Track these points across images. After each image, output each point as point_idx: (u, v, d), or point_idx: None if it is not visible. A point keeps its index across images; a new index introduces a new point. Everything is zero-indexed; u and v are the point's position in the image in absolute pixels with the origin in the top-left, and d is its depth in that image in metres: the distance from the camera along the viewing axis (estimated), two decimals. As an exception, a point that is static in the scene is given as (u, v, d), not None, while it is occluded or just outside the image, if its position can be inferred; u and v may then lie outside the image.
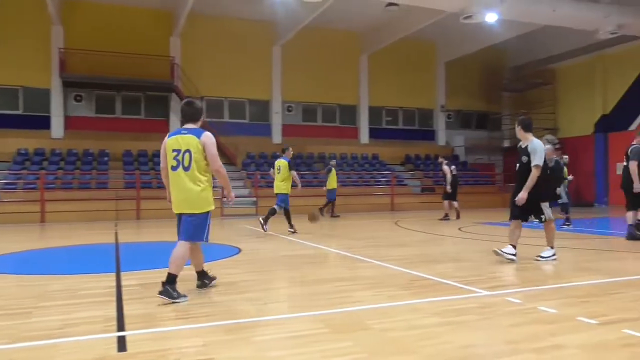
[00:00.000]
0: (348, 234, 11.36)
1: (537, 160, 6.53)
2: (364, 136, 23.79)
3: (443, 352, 3.23)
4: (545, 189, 6.84)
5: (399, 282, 5.52)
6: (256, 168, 20.23)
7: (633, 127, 20.43)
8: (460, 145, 25.26)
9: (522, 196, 6.49)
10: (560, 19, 17.57)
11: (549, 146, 8.31)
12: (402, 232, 11.50)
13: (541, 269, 6.45)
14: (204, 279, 5.19)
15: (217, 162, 4.84)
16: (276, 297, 5.03)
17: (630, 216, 9.02)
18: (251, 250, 8.53)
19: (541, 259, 6.83)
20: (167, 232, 12.25)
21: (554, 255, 6.86)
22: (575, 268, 6.44)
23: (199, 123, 4.99)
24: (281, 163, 11.24)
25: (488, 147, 25.50)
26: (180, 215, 4.87)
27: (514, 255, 6.65)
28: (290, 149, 11.79)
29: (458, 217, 14.54)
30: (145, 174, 18.05)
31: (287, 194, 11.22)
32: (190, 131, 4.81)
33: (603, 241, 9.68)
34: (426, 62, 24.65)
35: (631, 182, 8.94)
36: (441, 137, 25.37)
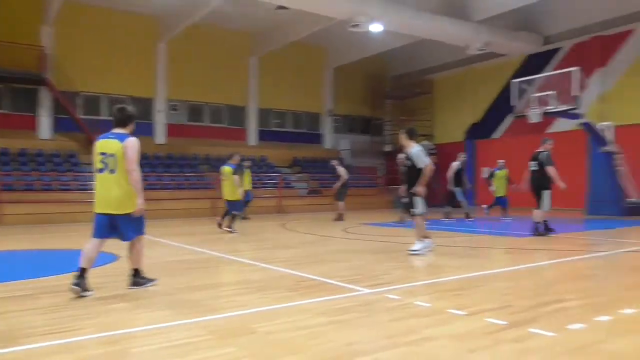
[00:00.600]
0: (234, 237, 11.20)
1: (421, 163, 7.41)
2: (252, 138, 23.68)
3: (328, 350, 3.31)
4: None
5: (286, 284, 5.56)
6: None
7: (496, 135, 22.55)
8: (346, 148, 26.13)
9: (420, 190, 7.42)
10: (437, 34, 18.91)
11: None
12: (288, 234, 11.60)
13: (417, 266, 6.86)
14: (138, 278, 5.45)
15: (132, 165, 5.00)
16: (156, 304, 4.80)
17: (538, 214, 9.93)
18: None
19: (412, 252, 7.49)
20: (31, 239, 11.23)
21: (425, 247, 7.55)
22: (446, 264, 6.94)
23: (129, 128, 5.18)
24: (226, 170, 11.37)
25: (371, 151, 26.65)
26: (103, 216, 5.08)
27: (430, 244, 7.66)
28: (237, 155, 11.84)
29: (340, 218, 15.00)
30: (6, 175, 16.31)
31: (237, 200, 11.36)
32: (116, 136, 5.05)
33: (471, 239, 10.53)
34: (315, 67, 25.16)
35: (539, 185, 9.97)
36: (328, 141, 26.05)
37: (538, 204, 9.96)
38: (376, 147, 26.82)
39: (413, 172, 7.55)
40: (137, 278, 5.45)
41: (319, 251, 8.49)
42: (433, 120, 25.56)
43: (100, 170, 5.04)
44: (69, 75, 18.88)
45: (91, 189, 17.15)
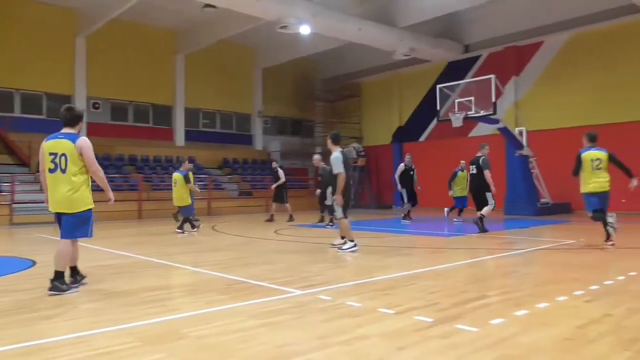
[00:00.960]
0: (162, 240, 10.88)
1: (335, 170, 7.84)
2: (180, 138, 23.06)
3: (260, 353, 3.29)
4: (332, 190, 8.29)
5: (216, 287, 5.47)
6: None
7: (422, 138, 23.39)
8: (277, 150, 26.09)
9: (338, 198, 7.83)
10: (364, 38, 19.32)
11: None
12: (219, 237, 11.42)
13: (348, 267, 6.98)
14: (76, 275, 5.47)
15: (94, 165, 5.24)
16: (77, 312, 4.56)
17: (487, 211, 10.76)
18: (48, 262, 7.61)
19: (340, 250, 8.06)
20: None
21: (353, 247, 8.03)
22: (376, 264, 7.11)
23: (77, 128, 5.33)
24: (177, 177, 11.59)
25: (302, 152, 26.79)
26: (59, 215, 5.23)
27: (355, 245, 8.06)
28: (186, 161, 11.89)
29: (272, 219, 14.98)
30: None
31: (187, 205, 11.72)
32: (66, 136, 5.15)
33: (399, 239, 10.86)
34: (244, 67, 24.91)
35: (479, 187, 10.72)
36: (258, 142, 25.88)
37: (479, 205, 10.54)
38: (307, 149, 27.01)
39: (333, 177, 7.97)
40: (58, 282, 5.19)
41: (250, 253, 8.41)
42: (362, 123, 26.11)
43: (51, 171, 5.13)
44: (-23, 68, 17.55)
45: (3, 191, 16.08)
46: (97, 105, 21.01)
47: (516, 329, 3.72)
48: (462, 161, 14.39)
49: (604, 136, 17.34)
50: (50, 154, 5.14)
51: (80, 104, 20.16)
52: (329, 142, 8.13)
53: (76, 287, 5.30)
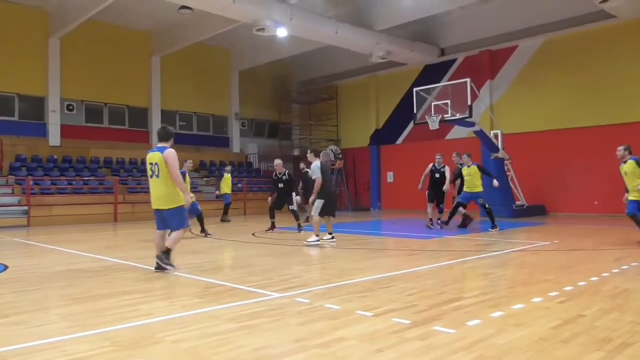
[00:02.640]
0: (136, 243, 10.72)
1: (314, 175, 9.53)
2: (156, 140, 22.72)
3: (237, 356, 3.26)
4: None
5: (193, 291, 5.41)
6: (28, 173, 17.76)
7: (399, 141, 23.57)
8: (254, 152, 25.97)
9: (312, 199, 9.54)
10: (341, 41, 19.37)
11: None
12: (195, 239, 11.30)
13: (326, 269, 6.98)
14: (163, 257, 6.50)
15: (174, 172, 6.42)
16: (49, 317, 4.45)
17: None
18: (20, 266, 7.45)
19: (307, 242, 9.37)
20: None
21: (317, 241, 9.32)
22: (354, 266, 7.13)
23: (169, 142, 6.69)
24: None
25: (279, 155, 26.70)
26: (158, 211, 6.59)
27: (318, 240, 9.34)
28: (188, 161, 12.58)
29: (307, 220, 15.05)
30: None
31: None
32: (159, 149, 6.57)
33: (376, 241, 10.91)
34: (221, 69, 24.74)
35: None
36: (236, 144, 25.72)
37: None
38: (285, 151, 26.95)
39: (313, 182, 9.72)
40: (164, 256, 6.48)
41: (227, 256, 8.35)
42: (339, 125, 26.18)
43: (150, 176, 6.57)
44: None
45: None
46: (71, 107, 20.60)
47: (492, 330, 3.77)
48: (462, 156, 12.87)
49: (575, 139, 17.86)
50: (149, 163, 6.57)
51: (53, 105, 19.80)
52: (310, 155, 9.79)
53: (174, 267, 6.54)
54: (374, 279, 5.98)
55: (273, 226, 12.61)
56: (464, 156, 12.36)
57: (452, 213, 12.49)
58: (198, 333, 3.79)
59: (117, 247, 10.32)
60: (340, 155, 24.24)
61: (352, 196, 24.71)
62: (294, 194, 12.90)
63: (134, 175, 20.38)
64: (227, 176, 16.88)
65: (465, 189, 12.28)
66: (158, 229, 6.73)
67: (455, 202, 12.61)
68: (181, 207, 6.55)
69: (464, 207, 12.47)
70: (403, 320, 4.02)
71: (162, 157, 6.43)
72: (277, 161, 13.14)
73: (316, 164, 9.60)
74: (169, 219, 6.57)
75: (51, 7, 19.07)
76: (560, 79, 18.42)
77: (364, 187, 25.01)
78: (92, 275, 6.53)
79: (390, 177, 24.07)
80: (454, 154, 12.86)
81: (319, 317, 4.23)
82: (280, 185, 12.74)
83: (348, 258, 8.02)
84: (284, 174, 12.74)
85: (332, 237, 9.60)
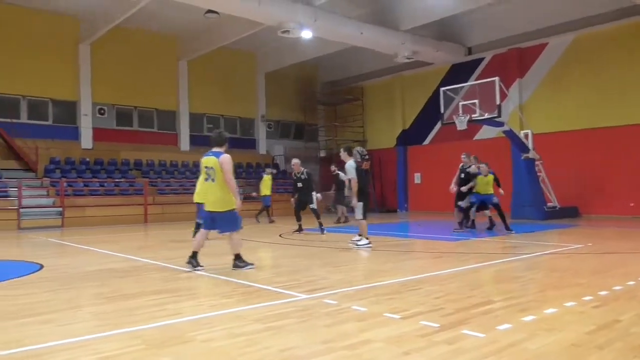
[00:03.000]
0: (166, 244, 10.89)
1: (349, 175, 9.22)
2: (185, 143, 23.09)
3: (264, 357, 3.27)
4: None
5: (221, 291, 5.46)
6: (62, 175, 18.24)
7: (427, 141, 23.35)
8: (280, 154, 26.10)
9: (355, 201, 9.13)
10: (366, 42, 19.31)
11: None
12: (223, 241, 11.39)
13: (353, 271, 6.96)
14: (238, 262, 6.94)
15: (228, 176, 6.68)
16: (82, 316, 4.56)
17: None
18: (55, 266, 7.65)
19: (355, 245, 9.21)
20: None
21: (367, 244, 9.08)
22: (381, 268, 7.09)
23: (224, 147, 6.98)
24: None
25: (305, 156, 26.75)
26: (209, 213, 6.81)
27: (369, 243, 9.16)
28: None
29: (346, 220, 15.47)
30: None
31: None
32: (214, 153, 6.81)
33: (404, 243, 10.82)
34: (247, 72, 24.95)
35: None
36: (262, 146, 25.90)
37: None
38: (310, 153, 27.00)
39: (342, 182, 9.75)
40: (238, 262, 6.91)
41: (254, 257, 8.39)
42: (365, 126, 26.08)
43: (206, 180, 6.82)
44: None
45: (10, 196, 16.22)
46: (102, 111, 21.09)
47: (523, 334, 3.69)
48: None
49: (609, 139, 17.38)
50: (205, 166, 6.82)
51: (85, 109, 20.31)
52: (344, 154, 9.46)
53: (252, 265, 6.95)
54: (401, 281, 5.94)
55: (300, 228, 12.64)
56: (472, 158, 12.31)
57: (466, 217, 12.30)
58: (225, 333, 3.82)
59: (147, 247, 10.51)
60: (367, 156, 24.10)
61: (378, 197, 24.56)
62: (314, 192, 12.95)
63: (163, 177, 20.71)
64: (267, 177, 16.97)
65: (478, 190, 12.07)
66: (205, 228, 6.94)
67: (462, 205, 12.18)
68: (233, 210, 6.78)
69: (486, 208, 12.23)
70: (431, 324, 3.97)
71: (218, 161, 6.68)
72: (295, 161, 13.17)
73: (350, 163, 9.27)
74: (220, 222, 6.79)
75: (82, 14, 19.55)
76: (592, 76, 17.95)
77: (390, 188, 24.84)
78: (123, 275, 6.66)
79: (417, 178, 23.86)
80: (463, 155, 12.54)
81: (346, 319, 4.21)
82: (299, 184, 12.79)
83: (375, 260, 7.97)
84: (302, 174, 12.80)
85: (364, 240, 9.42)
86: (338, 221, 15.72)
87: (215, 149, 6.92)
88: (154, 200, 19.01)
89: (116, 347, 3.52)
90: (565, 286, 5.50)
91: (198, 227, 11.81)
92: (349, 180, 9.44)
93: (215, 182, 6.70)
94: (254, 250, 9.67)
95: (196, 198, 9.59)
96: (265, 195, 16.83)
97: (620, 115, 17.19)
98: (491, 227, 12.24)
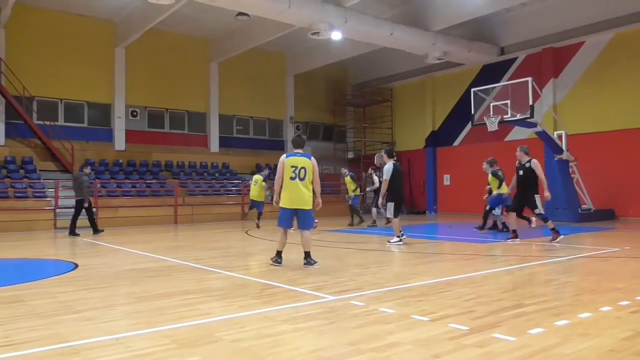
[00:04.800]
0: (196, 244, 11.04)
1: (385, 176, 9.87)
2: (214, 144, 23.40)
3: (292, 358, 3.28)
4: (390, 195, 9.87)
5: (250, 292, 5.50)
6: (96, 176, 18.70)
7: (456, 143, 23.06)
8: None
9: (382, 201, 9.81)
10: (396, 42, 19.20)
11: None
12: (252, 242, 11.51)
13: (381, 272, 6.92)
14: (309, 259, 7.24)
15: (317, 177, 7.30)
16: (115, 314, 4.67)
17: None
18: (89, 265, 7.85)
19: (388, 243, 9.79)
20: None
21: (399, 241, 9.68)
22: (410, 270, 7.03)
23: (304, 149, 7.48)
24: (257, 178, 14.88)
25: (334, 157, 26.78)
26: (294, 210, 7.17)
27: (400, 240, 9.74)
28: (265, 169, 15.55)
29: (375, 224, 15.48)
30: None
31: (261, 201, 14.77)
32: (304, 155, 7.31)
33: (433, 245, 10.70)
34: (276, 74, 25.12)
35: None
36: (291, 148, 25.94)
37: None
38: (339, 154, 26.99)
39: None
40: (309, 259, 7.22)
41: (282, 258, 8.43)
42: (394, 127, 25.92)
43: (292, 179, 7.08)
44: (22, 79, 18.21)
45: (47, 196, 16.62)
46: (135, 113, 21.56)
47: (557, 339, 3.60)
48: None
49: (648, 140, 16.81)
50: (293, 166, 7.10)
51: (119, 112, 20.79)
52: (384, 156, 10.21)
53: (318, 263, 7.23)
54: (430, 283, 5.87)
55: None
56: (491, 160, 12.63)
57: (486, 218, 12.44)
58: (254, 333, 3.85)
59: (178, 248, 10.67)
60: (395, 158, 23.98)
61: (407, 199, 24.37)
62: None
63: (193, 179, 21.01)
64: (348, 180, 16.24)
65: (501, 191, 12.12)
66: (284, 227, 7.30)
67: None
68: (312, 209, 7.28)
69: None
70: (460, 327, 3.91)
71: (310, 163, 7.18)
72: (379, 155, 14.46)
73: (389, 166, 9.76)
74: (303, 219, 7.22)
75: (118, 18, 20.04)
76: (631, 76, 17.38)
77: (419, 189, 24.63)
78: (155, 275, 6.78)
79: (447, 179, 23.58)
80: (485, 163, 12.73)
81: (374, 320, 4.19)
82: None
83: (403, 262, 7.91)
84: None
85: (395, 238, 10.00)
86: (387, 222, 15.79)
87: (298, 151, 7.39)
88: (184, 201, 19.30)
89: (147, 345, 3.58)
90: (601, 290, 5.34)
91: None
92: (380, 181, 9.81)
93: (304, 181, 7.11)
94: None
95: (256, 196, 11.75)
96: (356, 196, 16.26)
97: (659, 115, 16.62)
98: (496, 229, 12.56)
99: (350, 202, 16.26)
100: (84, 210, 13.34)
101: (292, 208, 7.17)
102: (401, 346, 3.48)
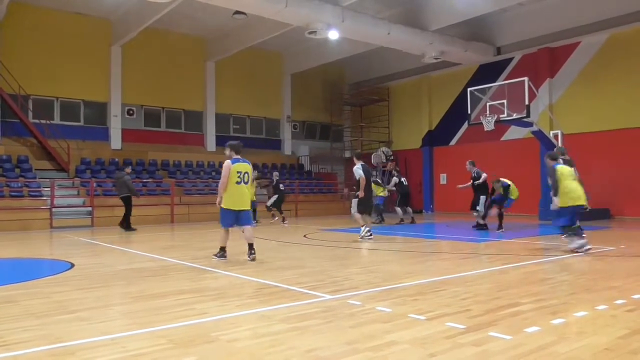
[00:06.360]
0: (192, 244, 11.02)
1: (357, 175, 10.64)
2: (211, 143, 23.35)
3: (289, 357, 3.28)
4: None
5: (246, 291, 5.49)
6: (92, 175, 18.65)
7: (453, 142, 23.09)
8: (305, 154, 26.15)
9: (360, 194, 10.57)
10: (393, 42, 19.21)
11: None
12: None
13: (378, 271, 6.92)
14: (253, 250, 7.80)
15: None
16: (111, 314, 4.65)
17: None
18: (85, 265, 7.82)
19: (360, 238, 10.44)
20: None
21: (368, 232, 10.49)
22: (406, 269, 7.03)
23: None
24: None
25: (331, 157, 26.78)
26: (239, 211, 7.76)
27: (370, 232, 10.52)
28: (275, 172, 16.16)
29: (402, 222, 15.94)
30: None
31: (253, 201, 14.77)
32: (244, 160, 7.89)
33: (429, 244, 10.72)
34: (273, 73, 25.10)
35: None
36: (287, 147, 26.01)
37: None
38: (336, 153, 27.00)
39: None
40: (253, 250, 7.77)
41: (279, 257, 8.43)
42: (391, 126, 25.94)
43: (238, 183, 7.67)
44: (17, 78, 18.14)
45: (43, 196, 16.56)
46: (131, 112, 21.49)
47: (552, 337, 3.61)
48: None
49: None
50: (238, 172, 7.66)
51: (115, 110, 20.74)
52: (354, 158, 11.01)
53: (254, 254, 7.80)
54: (426, 282, 5.88)
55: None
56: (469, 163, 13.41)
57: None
58: (251, 333, 3.84)
59: (174, 247, 10.65)
60: (392, 157, 24.01)
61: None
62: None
63: (190, 178, 20.97)
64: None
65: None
66: (228, 226, 7.94)
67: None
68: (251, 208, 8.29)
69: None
70: (457, 325, 3.91)
71: (250, 168, 7.94)
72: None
73: (358, 166, 10.66)
74: (246, 217, 7.93)
75: (114, 16, 19.99)
76: (626, 76, 17.45)
77: (416, 189, 24.64)
78: (151, 275, 6.76)
79: (443, 179, 23.62)
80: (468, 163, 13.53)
81: (371, 319, 4.19)
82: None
83: (400, 261, 7.91)
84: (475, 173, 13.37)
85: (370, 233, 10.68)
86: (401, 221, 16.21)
87: (240, 156, 7.95)
88: (181, 200, 19.27)
89: (143, 345, 3.57)
90: (596, 289, 5.36)
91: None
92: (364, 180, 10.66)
93: (247, 184, 7.92)
94: (277, 251, 9.71)
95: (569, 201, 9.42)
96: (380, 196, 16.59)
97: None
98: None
99: (375, 201, 16.62)
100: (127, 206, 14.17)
101: (235, 209, 7.70)
102: (398, 345, 3.48)
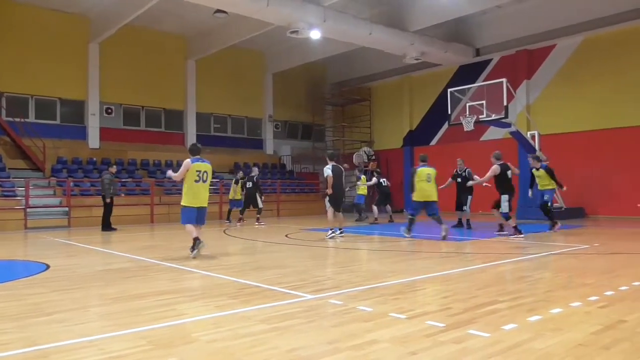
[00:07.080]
0: (172, 244, 10.93)
1: (325, 174, 10.90)
2: (191, 142, 23.13)
3: (270, 357, 3.28)
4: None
5: (227, 292, 5.47)
6: (69, 175, 18.34)
7: (433, 142, 23.29)
8: (287, 154, 26.12)
9: (329, 191, 10.88)
10: (375, 42, 19.31)
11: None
12: (229, 240, 11.44)
13: (359, 271, 6.96)
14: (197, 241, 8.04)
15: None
16: (89, 316, 4.58)
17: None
18: (61, 266, 7.69)
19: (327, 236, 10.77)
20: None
21: (332, 233, 10.83)
22: (387, 269, 7.08)
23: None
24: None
25: (313, 157, 26.79)
26: (198, 209, 8.12)
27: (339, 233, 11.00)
28: (255, 169, 16.32)
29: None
30: None
31: (240, 199, 16.21)
32: (204, 160, 8.21)
33: (409, 243, 10.79)
34: (255, 72, 25.01)
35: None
36: (269, 146, 25.94)
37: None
38: (318, 153, 27.01)
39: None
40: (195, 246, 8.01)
41: (261, 257, 8.42)
42: (372, 126, 26.06)
43: (196, 182, 8.03)
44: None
45: (17, 196, 16.29)
46: (109, 111, 21.20)
47: (529, 334, 3.67)
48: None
49: (615, 140, 17.26)
50: (197, 171, 7.98)
51: (93, 109, 20.42)
52: (327, 158, 11.19)
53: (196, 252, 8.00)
54: (407, 281, 5.93)
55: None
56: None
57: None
58: (231, 334, 3.83)
59: (154, 247, 10.55)
60: (373, 157, 24.13)
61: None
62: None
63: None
64: (363, 178, 17.13)
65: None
66: (191, 223, 8.21)
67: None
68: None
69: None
70: (437, 324, 3.96)
71: (211, 167, 8.27)
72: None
73: (328, 166, 10.95)
74: (203, 215, 8.28)
75: (92, 13, 19.69)
76: (600, 78, 17.84)
77: (397, 188, 24.78)
78: (130, 276, 6.69)
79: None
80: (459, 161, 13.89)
81: (352, 319, 4.21)
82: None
83: (381, 260, 7.96)
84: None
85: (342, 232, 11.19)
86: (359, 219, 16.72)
87: (200, 156, 8.32)
88: (160, 200, 19.08)
89: (122, 347, 3.53)
90: (572, 286, 5.47)
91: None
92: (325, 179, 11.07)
93: (206, 183, 8.17)
94: (258, 251, 9.69)
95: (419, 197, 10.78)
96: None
97: (627, 116, 17.09)
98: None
99: (356, 200, 17.12)
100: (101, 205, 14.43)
101: (195, 206, 8.03)
102: (379, 344, 3.50)
